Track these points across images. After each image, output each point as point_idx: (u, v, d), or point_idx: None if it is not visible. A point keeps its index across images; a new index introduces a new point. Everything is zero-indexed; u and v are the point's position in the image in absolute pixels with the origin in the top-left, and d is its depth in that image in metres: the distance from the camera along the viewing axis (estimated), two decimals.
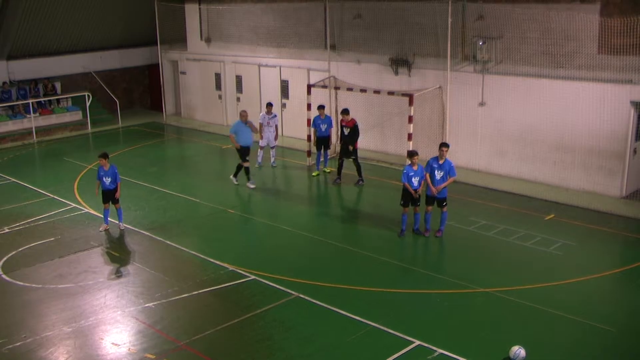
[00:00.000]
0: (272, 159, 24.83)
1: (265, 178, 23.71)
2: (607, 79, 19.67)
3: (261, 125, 24.19)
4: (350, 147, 21.71)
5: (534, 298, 14.10)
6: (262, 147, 24.61)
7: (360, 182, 22.18)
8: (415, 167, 17.13)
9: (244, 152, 22.15)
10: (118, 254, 17.18)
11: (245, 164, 22.20)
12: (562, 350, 12.28)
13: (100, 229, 18.75)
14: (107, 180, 18.33)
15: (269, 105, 24.46)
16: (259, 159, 24.81)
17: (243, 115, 22.31)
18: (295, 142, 27.80)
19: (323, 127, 23.09)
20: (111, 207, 18.67)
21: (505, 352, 11.74)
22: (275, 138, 24.45)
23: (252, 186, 22.22)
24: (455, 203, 19.90)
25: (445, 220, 17.67)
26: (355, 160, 22.05)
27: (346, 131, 21.83)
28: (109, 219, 18.84)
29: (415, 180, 17.14)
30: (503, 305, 13.96)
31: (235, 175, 22.63)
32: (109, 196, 18.52)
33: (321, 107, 23.22)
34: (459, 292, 14.58)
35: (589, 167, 20.50)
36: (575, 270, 15.52)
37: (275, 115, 24.52)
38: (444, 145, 17.29)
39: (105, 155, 18.37)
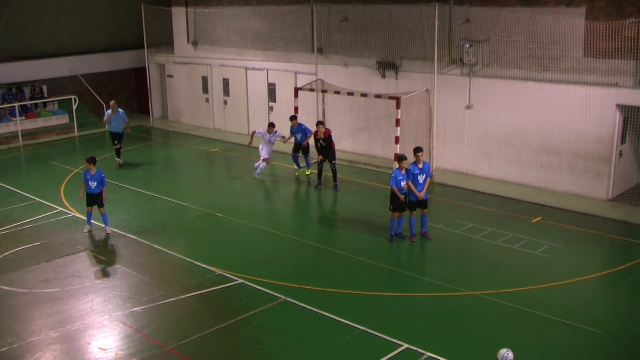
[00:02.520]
0: (258, 170, 23.79)
1: (253, 182, 23.66)
2: (592, 82, 19.77)
3: (258, 136, 23.88)
4: (335, 161, 22.01)
5: (521, 300, 14.14)
6: (265, 160, 23.60)
7: (336, 187, 22.12)
8: (403, 171, 17.14)
9: (113, 137, 25.93)
10: (105, 258, 17.11)
11: (115, 147, 26.02)
12: (550, 353, 12.32)
13: (84, 231, 18.77)
14: (93, 184, 18.35)
15: (271, 125, 23.78)
16: (258, 171, 23.77)
17: (112, 106, 25.82)
18: (282, 146, 27.72)
19: (298, 136, 23.24)
20: (95, 211, 18.62)
21: (493, 355, 11.75)
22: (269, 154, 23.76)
23: (118, 161, 26.02)
24: (443, 206, 19.97)
25: (427, 221, 17.73)
26: (334, 165, 22.02)
27: (324, 143, 21.84)
28: (92, 221, 18.87)
29: (403, 184, 17.15)
30: (490, 308, 13.99)
31: (118, 157, 26.12)
32: (93, 199, 18.53)
33: (293, 118, 23.41)
34: (446, 295, 14.60)
35: (576, 170, 20.58)
36: (563, 272, 15.57)
37: (277, 132, 23.72)
38: (419, 150, 17.34)
39: (92, 160, 18.41)
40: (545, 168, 21.24)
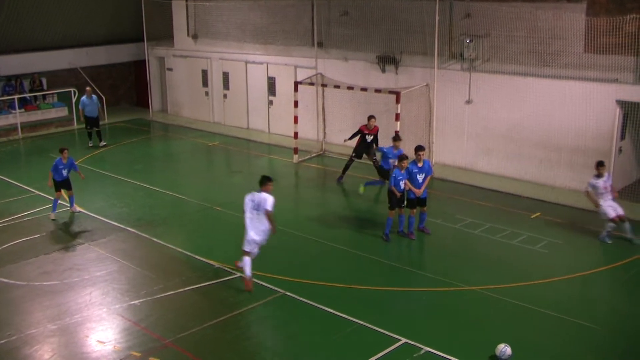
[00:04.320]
0: (630, 234, 17.15)
1: (253, 175, 23.61)
2: (593, 78, 19.76)
3: (595, 194, 17.17)
4: (376, 157, 21.35)
5: (520, 296, 14.14)
6: (612, 219, 16.95)
7: (383, 183, 21.28)
8: (403, 171, 17.10)
9: (87, 121, 27.85)
10: (103, 251, 17.09)
11: (89, 130, 27.95)
12: (548, 349, 12.32)
13: (51, 217, 19.25)
14: (64, 172, 19.31)
15: (601, 165, 17.14)
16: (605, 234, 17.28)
17: (88, 92, 27.93)
18: (282, 139, 27.76)
19: (392, 162, 18.86)
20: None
21: (492, 350, 11.78)
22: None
23: (91, 144, 27.86)
24: (442, 201, 19.97)
25: (426, 218, 17.75)
26: (375, 161, 21.50)
27: (369, 138, 21.51)
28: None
29: (402, 184, 17.13)
30: (489, 303, 14.00)
31: (94, 139, 28.01)
32: (63, 185, 19.42)
33: (397, 139, 19.46)
34: (445, 290, 14.61)
35: (575, 166, 20.58)
36: (561, 268, 15.57)
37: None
38: (420, 149, 17.31)
39: (65, 149, 19.38)
40: (544, 163, 21.23)
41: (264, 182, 14.55)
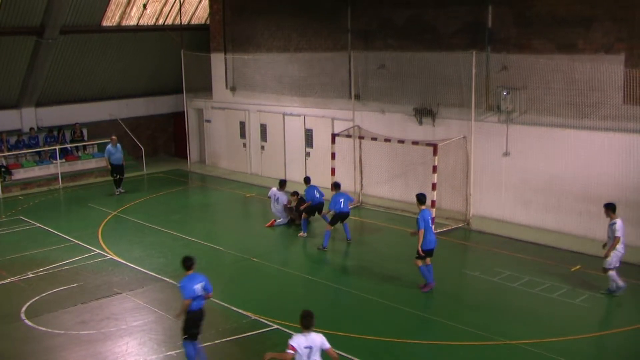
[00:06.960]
0: None
1: (289, 227, 23.66)
2: (632, 130, 19.58)
3: None
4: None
5: (560, 351, 13.87)
6: None
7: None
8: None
9: (113, 169, 28.52)
10: (141, 301, 17.15)
11: (115, 178, 28.63)
12: None
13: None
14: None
15: None
16: None
17: (113, 140, 28.62)
18: None
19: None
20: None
21: None
22: None
23: (117, 192, 28.54)
24: (480, 253, 19.78)
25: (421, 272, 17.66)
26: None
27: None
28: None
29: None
30: (529, 358, 13.74)
31: (117, 187, 28.72)
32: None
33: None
34: (483, 344, 14.38)
35: None
36: (603, 322, 15.31)
37: None
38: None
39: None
40: (584, 216, 20.95)
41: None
